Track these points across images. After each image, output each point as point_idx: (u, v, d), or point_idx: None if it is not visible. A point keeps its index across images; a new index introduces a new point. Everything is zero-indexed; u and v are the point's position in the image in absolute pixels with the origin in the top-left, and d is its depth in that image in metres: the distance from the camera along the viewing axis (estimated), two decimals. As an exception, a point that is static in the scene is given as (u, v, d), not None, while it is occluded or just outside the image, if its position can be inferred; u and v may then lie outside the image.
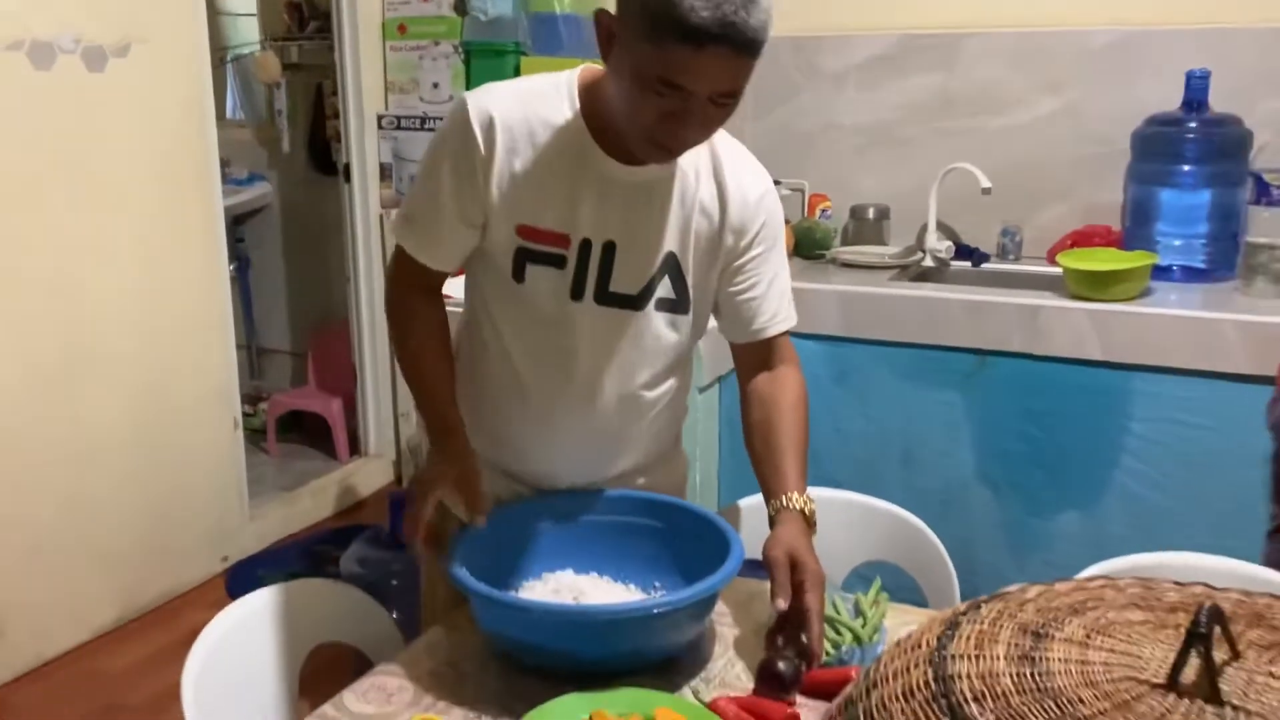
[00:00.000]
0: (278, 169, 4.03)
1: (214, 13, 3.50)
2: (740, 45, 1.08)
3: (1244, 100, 2.42)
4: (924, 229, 2.73)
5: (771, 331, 1.36)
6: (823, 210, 2.90)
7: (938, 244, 2.69)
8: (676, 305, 1.32)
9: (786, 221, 2.82)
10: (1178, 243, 2.41)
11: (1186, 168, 2.38)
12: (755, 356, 1.38)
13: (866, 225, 2.87)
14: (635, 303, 1.29)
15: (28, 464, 2.47)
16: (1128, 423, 2.22)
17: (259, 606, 1.34)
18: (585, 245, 1.26)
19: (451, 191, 1.25)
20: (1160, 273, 2.35)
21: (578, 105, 1.25)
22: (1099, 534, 2.27)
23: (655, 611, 1.14)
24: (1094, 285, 2.23)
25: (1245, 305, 2.19)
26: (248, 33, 4.22)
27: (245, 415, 3.18)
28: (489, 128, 1.23)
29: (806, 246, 2.83)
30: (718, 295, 1.36)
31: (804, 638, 1.15)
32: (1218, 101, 2.38)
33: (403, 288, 1.36)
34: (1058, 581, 0.93)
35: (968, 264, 2.70)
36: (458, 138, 1.24)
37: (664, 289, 1.30)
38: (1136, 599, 0.90)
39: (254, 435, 3.63)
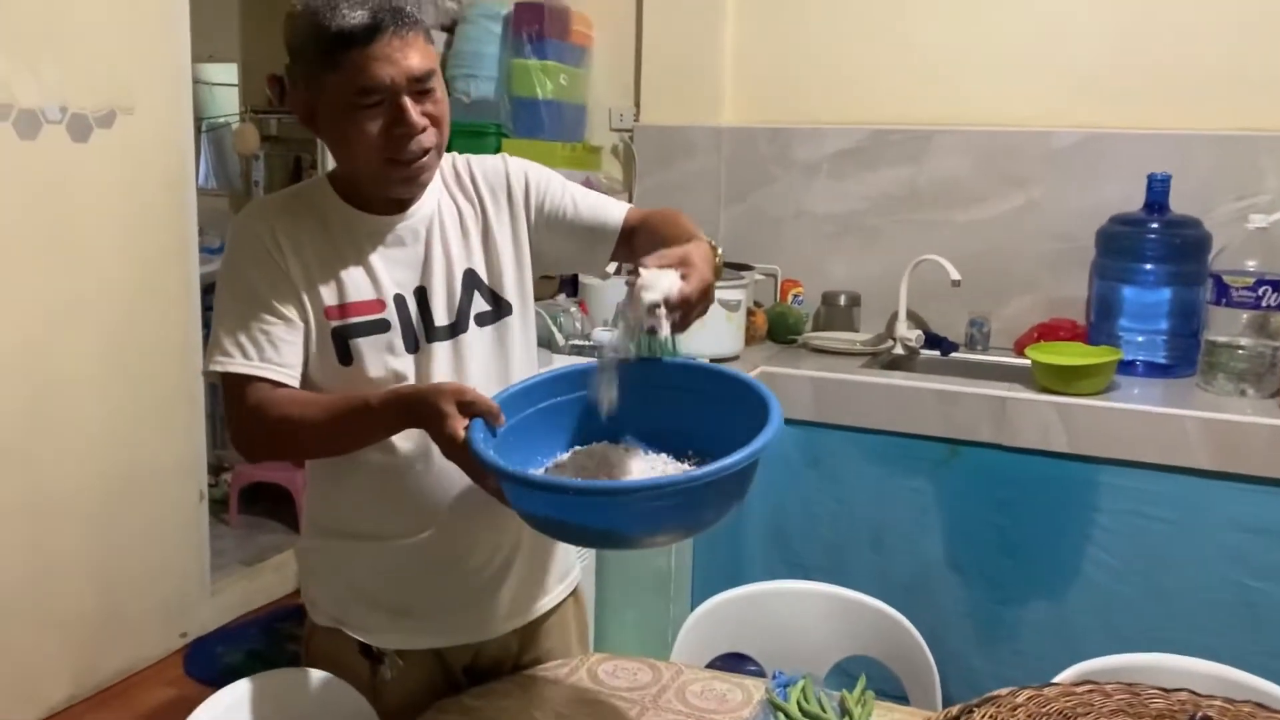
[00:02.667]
0: (251, 238, 4.02)
1: (193, 83, 3.53)
2: (402, 24, 1.19)
3: (1201, 202, 2.51)
4: (894, 317, 2.79)
5: (620, 213, 1.39)
6: (795, 295, 2.96)
7: (908, 332, 2.74)
8: (495, 314, 1.36)
9: (759, 305, 2.90)
10: (1140, 338, 2.48)
11: (1149, 266, 2.47)
12: (627, 239, 1.39)
13: (838, 311, 2.92)
14: (454, 329, 1.32)
15: (-14, 534, 2.42)
16: (1094, 515, 2.26)
17: (231, 703, 1.28)
18: (399, 300, 1.30)
19: (270, 290, 1.26)
20: (1124, 367, 2.41)
21: (332, 191, 1.32)
22: (1066, 624, 2.30)
23: (702, 482, 1.03)
24: (1061, 379, 2.28)
25: (1206, 402, 2.26)
26: (225, 103, 4.26)
27: (208, 486, 3.13)
28: (272, 234, 1.28)
29: (779, 330, 2.88)
30: (559, 241, 1.39)
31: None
32: (1177, 203, 2.48)
33: (251, 416, 1.24)
34: (1045, 686, 0.96)
35: (937, 353, 2.76)
36: (251, 248, 1.28)
37: (478, 305, 1.34)
38: (1124, 705, 0.93)
39: (215, 506, 3.57)
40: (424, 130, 1.23)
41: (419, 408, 1.16)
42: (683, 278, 1.13)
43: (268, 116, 3.88)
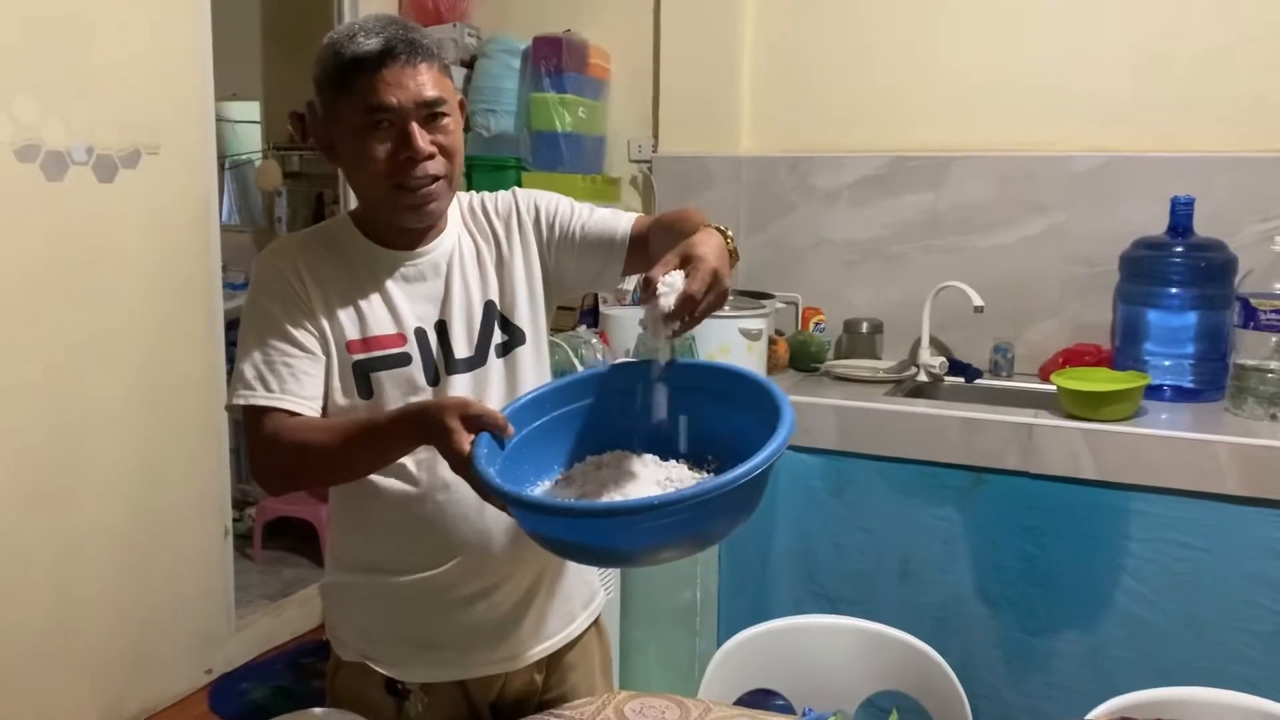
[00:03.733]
0: (274, 273, 4.05)
1: (216, 120, 3.58)
2: (414, 52, 1.23)
3: (1226, 225, 2.50)
4: (917, 344, 2.77)
5: (628, 223, 1.38)
6: (816, 323, 2.95)
7: (931, 359, 2.73)
8: (509, 344, 1.37)
9: (781, 333, 2.89)
10: (1167, 363, 2.45)
11: (1174, 290, 2.44)
12: (639, 246, 1.38)
13: (860, 339, 2.91)
14: (473, 362, 1.34)
15: (13, 570, 2.43)
16: (1124, 542, 2.23)
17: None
18: (420, 334, 1.32)
19: (293, 325, 1.28)
20: (1151, 392, 2.38)
21: (354, 227, 1.35)
22: (1099, 655, 2.26)
23: (711, 496, 1.00)
24: (1088, 405, 2.26)
25: (1236, 426, 2.23)
26: (247, 140, 4.31)
27: (232, 520, 3.14)
28: (295, 269, 1.30)
29: (801, 359, 2.87)
30: (573, 261, 1.40)
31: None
32: (1201, 226, 2.46)
33: (268, 445, 1.24)
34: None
35: (961, 379, 2.74)
36: (274, 283, 1.30)
37: (497, 336, 1.36)
38: (1163, 744, 0.90)
39: (239, 540, 3.58)
40: (430, 157, 1.25)
41: (426, 423, 1.15)
42: (687, 275, 1.11)
43: (290, 153, 3.92)
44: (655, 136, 3.15)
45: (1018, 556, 2.32)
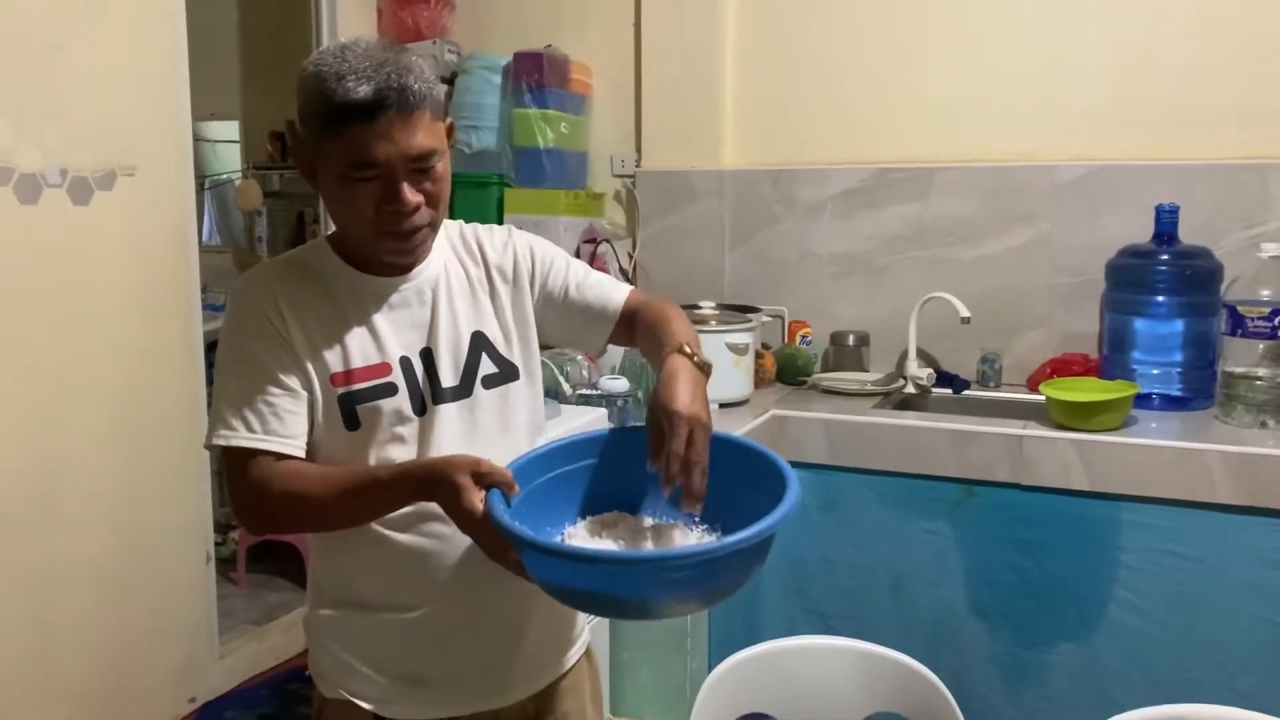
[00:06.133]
0: (255, 294, 4.02)
1: (195, 140, 3.55)
2: (406, 105, 1.17)
3: (1210, 232, 2.49)
4: (904, 356, 2.76)
5: (621, 298, 1.40)
6: (803, 336, 2.93)
7: (919, 371, 2.71)
8: (502, 376, 1.34)
9: (767, 347, 2.88)
10: (1155, 371, 2.44)
11: (1160, 298, 2.43)
12: (627, 324, 1.40)
13: (847, 352, 2.89)
14: (459, 392, 1.30)
15: (-10, 601, 2.38)
16: (1118, 554, 2.21)
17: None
18: (405, 362, 1.28)
19: (273, 361, 1.24)
20: (1140, 400, 2.37)
21: (334, 253, 1.31)
22: (1094, 668, 2.24)
23: (726, 552, 1.04)
24: (1078, 415, 2.24)
25: (1227, 435, 2.22)
26: (228, 160, 4.28)
27: (215, 545, 3.09)
28: (273, 302, 1.26)
29: (789, 372, 2.85)
30: (556, 319, 1.40)
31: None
32: (1186, 234, 2.45)
33: (255, 491, 1.22)
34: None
35: (949, 391, 2.72)
36: (251, 318, 1.26)
37: (485, 367, 1.32)
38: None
39: (223, 565, 3.53)
40: (417, 210, 1.22)
41: (432, 482, 1.14)
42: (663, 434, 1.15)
43: (269, 172, 3.89)
44: (638, 151, 3.14)
45: (1010, 569, 2.30)
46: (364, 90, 1.15)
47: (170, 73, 2.75)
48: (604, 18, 3.14)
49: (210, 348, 3.67)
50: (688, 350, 1.23)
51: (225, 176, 4.20)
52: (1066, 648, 2.27)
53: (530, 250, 1.40)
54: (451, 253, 1.37)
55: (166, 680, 2.81)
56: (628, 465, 1.22)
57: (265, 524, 1.28)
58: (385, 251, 1.26)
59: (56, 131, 2.46)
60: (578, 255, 1.47)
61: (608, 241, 3.04)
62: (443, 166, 1.24)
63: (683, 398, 1.16)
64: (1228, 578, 2.13)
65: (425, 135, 1.19)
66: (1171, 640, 2.18)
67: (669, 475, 1.14)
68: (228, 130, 4.29)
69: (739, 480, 1.19)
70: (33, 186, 2.41)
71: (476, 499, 1.10)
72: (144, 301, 2.71)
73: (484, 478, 1.12)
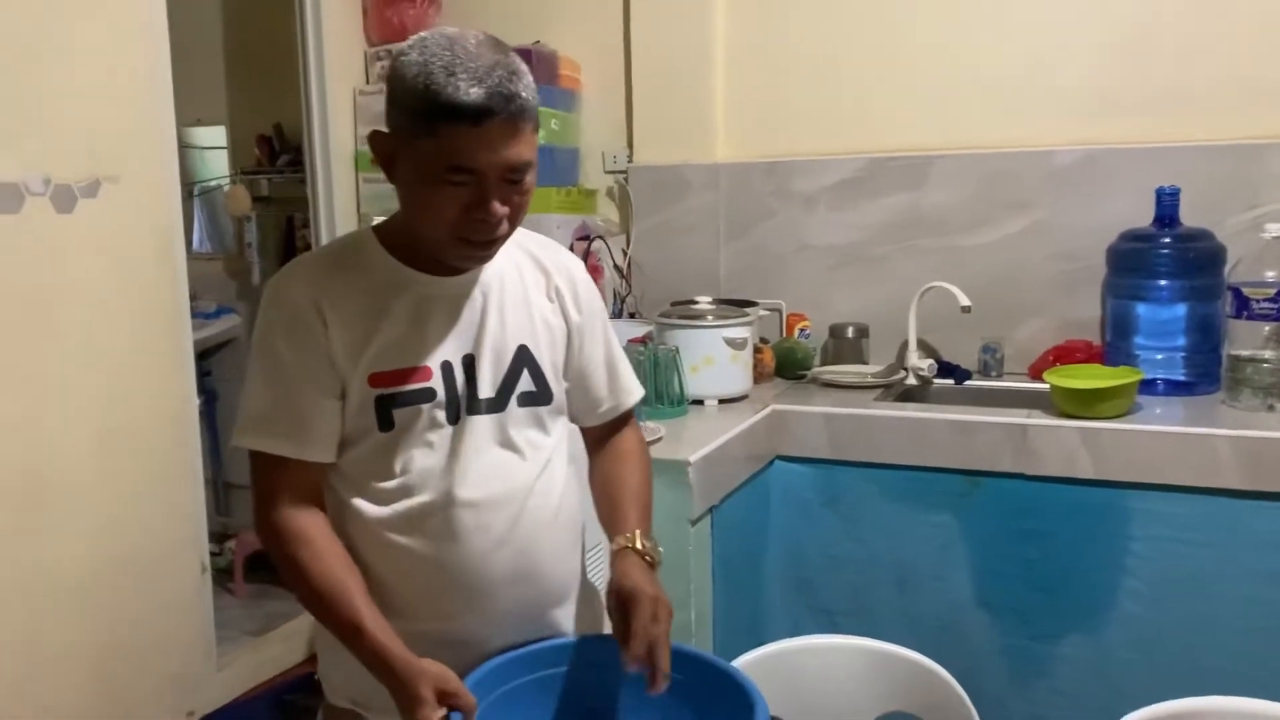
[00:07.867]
0: (247, 301, 3.99)
1: (182, 147, 3.52)
2: (515, 113, 1.13)
3: (1212, 214, 2.46)
4: (904, 347, 2.72)
5: (614, 406, 1.41)
6: (802, 330, 2.90)
7: (919, 362, 2.68)
8: (538, 398, 1.30)
9: (766, 341, 2.84)
10: (1159, 356, 2.41)
11: (1163, 282, 2.40)
12: (609, 427, 1.42)
13: (846, 344, 2.86)
14: (495, 405, 1.27)
15: (-19, 618, 2.34)
16: (1125, 542, 2.18)
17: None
18: (446, 368, 1.25)
19: (301, 367, 1.21)
20: (1145, 386, 2.34)
21: (380, 246, 1.26)
22: (1104, 658, 2.21)
23: None
24: (1082, 403, 2.21)
25: (1234, 419, 2.18)
26: (216, 166, 4.23)
27: (211, 555, 3.05)
28: (313, 302, 1.22)
29: (788, 367, 2.82)
30: (568, 380, 1.37)
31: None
32: (1186, 216, 2.42)
33: (277, 506, 1.22)
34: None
35: (950, 381, 2.69)
36: (286, 317, 1.22)
37: (524, 383, 1.29)
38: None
39: (219, 575, 3.50)
40: (501, 221, 1.18)
41: (398, 680, 1.14)
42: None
43: (258, 177, 3.85)
44: (630, 146, 3.10)
45: (1017, 561, 2.27)
46: (475, 93, 1.10)
47: (153, 77, 2.71)
48: (592, 12, 3.10)
49: (201, 356, 3.64)
50: (640, 548, 1.28)
51: (214, 183, 4.15)
52: (1076, 639, 2.24)
53: (592, 294, 1.39)
54: (519, 252, 1.33)
55: (163, 694, 2.77)
56: (592, 673, 1.24)
57: (264, 544, 1.25)
58: (457, 256, 1.22)
59: (38, 139, 2.41)
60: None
61: (601, 238, 3.01)
62: (532, 179, 1.19)
63: (642, 584, 1.22)
64: (1237, 563, 2.10)
65: (526, 147, 1.15)
66: (1182, 629, 2.15)
67: (635, 653, 1.17)
68: (215, 136, 4.24)
69: (710, 703, 1.20)
70: (14, 196, 2.37)
71: (434, 716, 1.10)
72: (131, 311, 2.67)
73: (449, 697, 1.12)
